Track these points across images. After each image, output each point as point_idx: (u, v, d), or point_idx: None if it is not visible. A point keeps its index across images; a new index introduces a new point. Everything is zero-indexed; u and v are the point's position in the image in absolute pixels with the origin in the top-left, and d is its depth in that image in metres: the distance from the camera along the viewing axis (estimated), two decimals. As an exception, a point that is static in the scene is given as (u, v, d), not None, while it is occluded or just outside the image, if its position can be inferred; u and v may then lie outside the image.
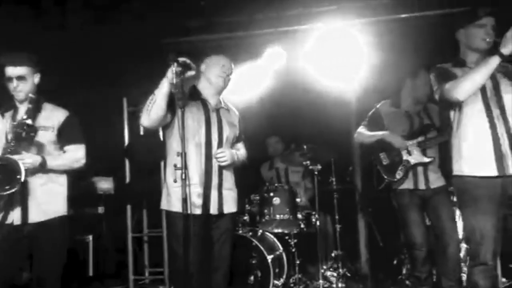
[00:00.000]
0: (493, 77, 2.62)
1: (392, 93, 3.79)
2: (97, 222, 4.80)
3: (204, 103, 3.02)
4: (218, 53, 3.18)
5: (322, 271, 4.32)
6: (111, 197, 4.98)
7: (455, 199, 3.57)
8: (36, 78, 2.94)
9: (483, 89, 2.60)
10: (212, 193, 2.90)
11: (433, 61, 3.57)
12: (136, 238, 5.11)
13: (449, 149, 2.75)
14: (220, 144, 2.96)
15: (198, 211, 2.82)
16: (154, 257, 5.13)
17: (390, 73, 4.08)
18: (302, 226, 4.26)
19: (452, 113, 2.71)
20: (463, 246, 3.68)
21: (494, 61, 2.48)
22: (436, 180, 3.53)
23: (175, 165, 2.79)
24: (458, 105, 2.63)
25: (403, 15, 4.29)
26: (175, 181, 2.76)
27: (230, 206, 2.99)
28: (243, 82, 4.62)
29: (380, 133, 3.63)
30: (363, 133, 3.75)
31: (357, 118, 4.66)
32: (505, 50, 2.45)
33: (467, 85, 2.53)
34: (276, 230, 4.22)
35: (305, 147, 4.39)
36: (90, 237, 4.57)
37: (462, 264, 3.63)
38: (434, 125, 3.60)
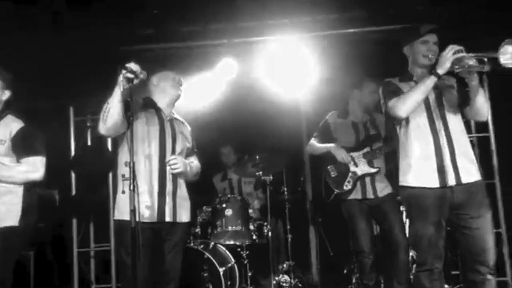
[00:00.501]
0: (437, 91, 2.72)
1: (339, 104, 3.89)
2: (39, 236, 4.56)
3: (159, 113, 3.01)
4: (169, 62, 3.16)
5: (274, 282, 4.31)
6: (55, 210, 4.76)
7: (401, 207, 3.73)
8: (5, 96, 2.87)
9: (427, 103, 2.70)
10: (166, 200, 2.87)
11: (377, 73, 3.73)
12: (82, 253, 4.91)
13: (396, 160, 2.84)
14: (173, 153, 2.94)
15: (150, 219, 2.78)
16: (101, 273, 4.94)
17: (338, 85, 4.20)
18: (254, 237, 4.25)
19: (398, 127, 2.80)
20: (411, 253, 3.76)
21: (431, 80, 2.59)
22: (384, 189, 3.63)
23: (123, 175, 2.72)
24: (403, 119, 2.73)
25: (350, 30, 4.43)
26: (123, 192, 2.69)
27: (183, 216, 2.95)
28: (195, 93, 4.58)
29: (327, 145, 3.72)
30: (313, 145, 3.83)
31: (308, 128, 4.76)
32: (440, 70, 2.55)
33: (408, 103, 2.63)
34: (228, 242, 4.18)
35: (257, 157, 4.40)
36: (32, 252, 4.33)
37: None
38: (380, 135, 3.71)
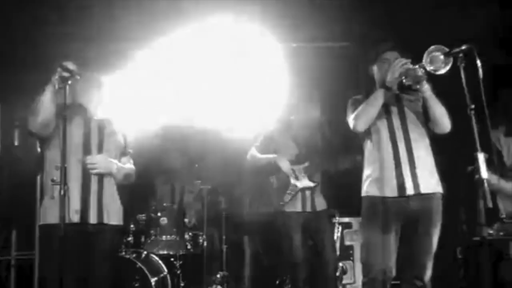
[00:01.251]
0: (399, 105, 2.80)
1: (283, 117, 3.88)
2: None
3: (84, 112, 2.90)
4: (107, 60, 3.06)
5: (207, 292, 4.26)
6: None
7: (334, 220, 3.82)
8: None
9: (389, 116, 2.78)
10: (91, 200, 2.74)
11: (324, 88, 3.80)
12: (1, 261, 4.58)
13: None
14: (100, 153, 2.83)
15: (74, 220, 2.66)
16: (23, 284, 4.63)
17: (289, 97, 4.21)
18: (189, 247, 4.19)
19: (362, 139, 2.88)
20: (340, 265, 3.86)
21: (380, 93, 2.70)
22: (321, 204, 3.71)
23: (52, 180, 2.57)
24: (366, 132, 2.80)
25: (294, 44, 4.46)
26: (52, 197, 2.54)
27: (111, 218, 2.82)
28: (139, 93, 4.45)
29: (271, 156, 3.73)
30: (255, 155, 3.82)
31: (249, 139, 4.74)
32: (388, 83, 2.66)
33: (362, 117, 2.73)
34: (162, 252, 4.09)
35: (196, 166, 4.34)
36: None
37: (338, 282, 3.84)
38: (320, 151, 3.76)
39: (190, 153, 4.83)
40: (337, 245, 4.05)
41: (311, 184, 3.67)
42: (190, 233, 4.25)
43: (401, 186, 2.67)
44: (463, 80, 2.30)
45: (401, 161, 2.69)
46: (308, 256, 3.65)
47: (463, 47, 2.33)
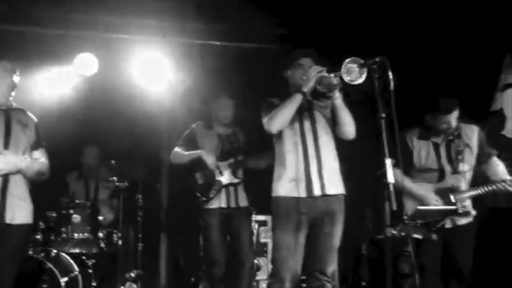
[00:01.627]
0: (310, 108, 2.90)
1: (204, 114, 3.92)
2: None
3: None
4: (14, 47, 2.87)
5: (120, 292, 4.15)
6: None
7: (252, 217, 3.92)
8: None
9: (300, 119, 2.86)
10: None
11: (241, 88, 3.86)
12: None
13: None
14: (6, 147, 2.66)
15: None
16: None
17: (202, 95, 4.22)
18: (103, 245, 4.06)
19: (273, 140, 2.94)
20: (255, 262, 3.98)
21: (297, 98, 2.78)
22: (243, 201, 3.77)
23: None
24: (278, 133, 2.87)
25: (217, 42, 4.50)
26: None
27: (17, 217, 2.66)
28: (51, 84, 4.22)
29: (197, 151, 3.72)
30: (179, 152, 3.79)
31: (168, 137, 4.70)
32: (305, 89, 2.76)
33: (277, 120, 2.79)
34: (73, 250, 3.92)
35: (113, 162, 4.21)
36: None
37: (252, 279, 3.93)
38: (242, 149, 3.82)
39: (106, 148, 4.66)
40: (253, 242, 4.10)
41: (235, 180, 3.71)
42: (104, 231, 4.11)
43: (309, 187, 2.77)
44: (376, 90, 2.43)
45: (310, 163, 2.79)
46: (226, 254, 3.68)
47: (377, 59, 2.45)
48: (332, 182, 2.84)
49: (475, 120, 3.36)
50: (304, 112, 2.87)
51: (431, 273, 3.09)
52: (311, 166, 2.80)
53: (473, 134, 3.20)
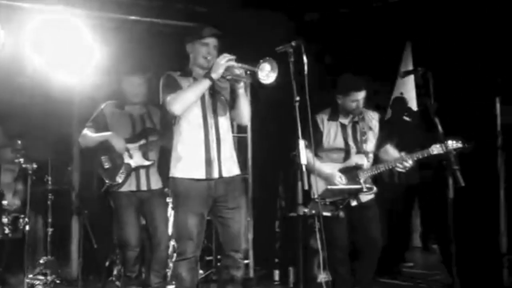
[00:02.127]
0: (211, 91, 2.89)
1: (116, 93, 3.79)
2: None
3: None
4: None
5: (28, 280, 3.94)
6: None
7: (167, 199, 3.88)
8: None
9: (202, 101, 2.83)
10: None
11: (159, 65, 3.74)
12: None
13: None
14: None
15: None
16: None
17: (116, 73, 4.02)
18: (7, 231, 3.83)
19: (173, 120, 2.89)
20: (171, 243, 3.95)
21: (205, 83, 2.75)
22: (156, 182, 3.71)
23: None
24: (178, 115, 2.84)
25: (133, 17, 4.30)
26: None
27: None
28: None
29: (104, 134, 3.60)
30: (87, 135, 3.65)
31: (79, 116, 4.48)
32: (214, 75, 2.72)
33: (182, 102, 2.75)
34: (-29, 238, 3.65)
35: (19, 142, 3.93)
36: None
37: (169, 260, 3.90)
38: (155, 128, 3.74)
39: (11, 128, 4.35)
40: (170, 223, 4.03)
41: (146, 163, 3.64)
42: (9, 217, 3.87)
43: (209, 169, 2.80)
44: (291, 74, 2.52)
45: (211, 146, 2.81)
46: (141, 236, 3.65)
47: (293, 43, 2.53)
48: (230, 164, 2.90)
49: (377, 107, 3.63)
50: (205, 93, 2.86)
51: (339, 248, 3.30)
52: (211, 149, 2.82)
53: (375, 119, 3.45)
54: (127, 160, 3.61)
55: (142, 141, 3.66)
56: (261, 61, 2.65)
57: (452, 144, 3.06)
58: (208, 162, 2.80)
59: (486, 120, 3.81)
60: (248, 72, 2.73)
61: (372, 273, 3.45)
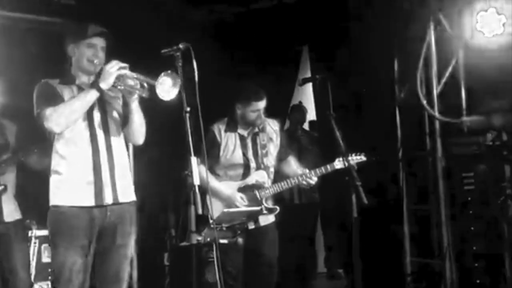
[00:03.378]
0: (101, 103, 2.52)
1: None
2: None
3: None
4: None
5: None
6: None
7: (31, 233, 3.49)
8: None
9: (90, 115, 2.48)
10: None
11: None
12: None
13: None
14: None
15: None
16: None
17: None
18: None
19: (51, 137, 2.50)
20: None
21: (92, 94, 2.41)
22: (11, 213, 3.14)
23: None
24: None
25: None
26: None
27: None
28: None
29: None
30: None
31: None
32: (103, 85, 2.39)
33: (65, 117, 2.39)
34: None
35: None
36: None
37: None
38: (9, 145, 3.18)
39: None
40: (33, 264, 3.58)
41: None
42: None
43: (99, 195, 2.48)
44: (181, 81, 2.24)
45: (102, 168, 2.50)
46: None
47: (180, 46, 2.25)
48: (124, 188, 2.56)
49: (276, 115, 3.46)
50: (94, 105, 2.49)
51: (232, 277, 3.04)
52: (103, 172, 2.48)
53: (276, 128, 3.30)
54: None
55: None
56: (163, 74, 2.30)
57: (354, 158, 2.99)
58: (99, 187, 2.47)
59: (388, 130, 3.80)
60: (146, 85, 2.39)
61: None
